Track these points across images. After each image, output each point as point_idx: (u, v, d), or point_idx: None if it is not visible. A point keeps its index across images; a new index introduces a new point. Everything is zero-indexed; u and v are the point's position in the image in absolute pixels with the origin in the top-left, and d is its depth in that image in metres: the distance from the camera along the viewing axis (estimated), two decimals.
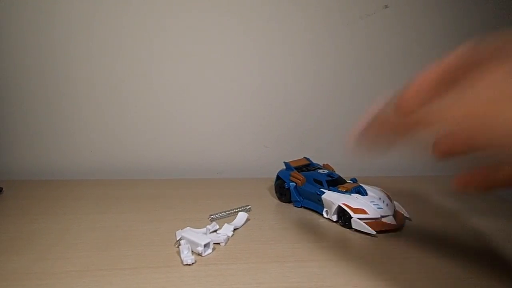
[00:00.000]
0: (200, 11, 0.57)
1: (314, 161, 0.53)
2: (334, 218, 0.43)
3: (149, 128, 0.61)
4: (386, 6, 0.61)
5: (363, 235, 0.40)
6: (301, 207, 0.48)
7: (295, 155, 0.53)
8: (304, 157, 0.53)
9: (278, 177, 0.50)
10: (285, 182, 0.48)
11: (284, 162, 0.51)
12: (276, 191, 0.51)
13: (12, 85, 0.56)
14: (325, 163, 0.52)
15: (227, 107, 0.62)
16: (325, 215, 0.44)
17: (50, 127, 0.59)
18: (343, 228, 0.42)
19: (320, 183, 0.45)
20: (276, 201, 0.50)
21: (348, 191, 0.43)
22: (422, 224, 0.42)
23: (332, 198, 0.43)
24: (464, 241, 0.39)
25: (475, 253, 0.37)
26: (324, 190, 0.44)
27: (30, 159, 0.60)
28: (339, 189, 0.44)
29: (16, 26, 0.54)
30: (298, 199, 0.47)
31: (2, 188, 0.50)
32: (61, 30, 0.55)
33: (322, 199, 0.44)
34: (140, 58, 0.58)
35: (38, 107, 0.58)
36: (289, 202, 0.49)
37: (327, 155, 0.64)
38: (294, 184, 0.48)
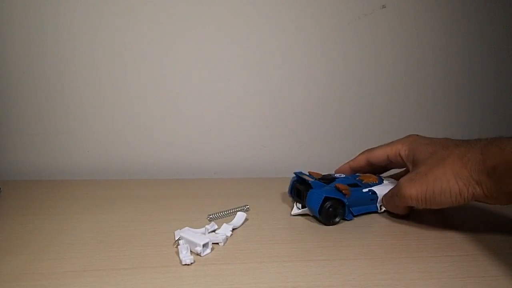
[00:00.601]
0: (197, 12, 0.57)
1: (305, 166, 0.51)
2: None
3: (147, 128, 0.61)
4: (384, 6, 0.61)
5: (362, 235, 0.40)
6: (352, 218, 0.44)
7: (293, 155, 0.53)
8: (294, 172, 0.47)
9: (326, 199, 0.41)
10: (339, 200, 0.42)
11: (313, 182, 0.43)
12: (326, 216, 0.41)
13: (9, 86, 0.56)
14: (310, 171, 0.48)
15: (225, 107, 0.62)
16: (380, 210, 0.45)
17: (46, 127, 0.58)
18: (343, 227, 0.42)
19: (356, 186, 0.45)
20: (274, 201, 0.49)
21: (378, 181, 0.46)
22: (422, 223, 0.42)
23: (381, 190, 0.45)
24: (465, 240, 0.39)
25: (476, 252, 0.37)
26: (373, 189, 0.45)
27: (27, 159, 0.59)
28: (371, 182, 0.45)
29: (18, 25, 0.54)
30: (351, 211, 0.44)
31: (0, 188, 0.50)
32: (63, 31, 0.55)
33: (379, 196, 0.45)
34: (137, 58, 0.57)
35: (35, 108, 0.57)
36: (344, 219, 0.43)
37: (326, 154, 0.65)
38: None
